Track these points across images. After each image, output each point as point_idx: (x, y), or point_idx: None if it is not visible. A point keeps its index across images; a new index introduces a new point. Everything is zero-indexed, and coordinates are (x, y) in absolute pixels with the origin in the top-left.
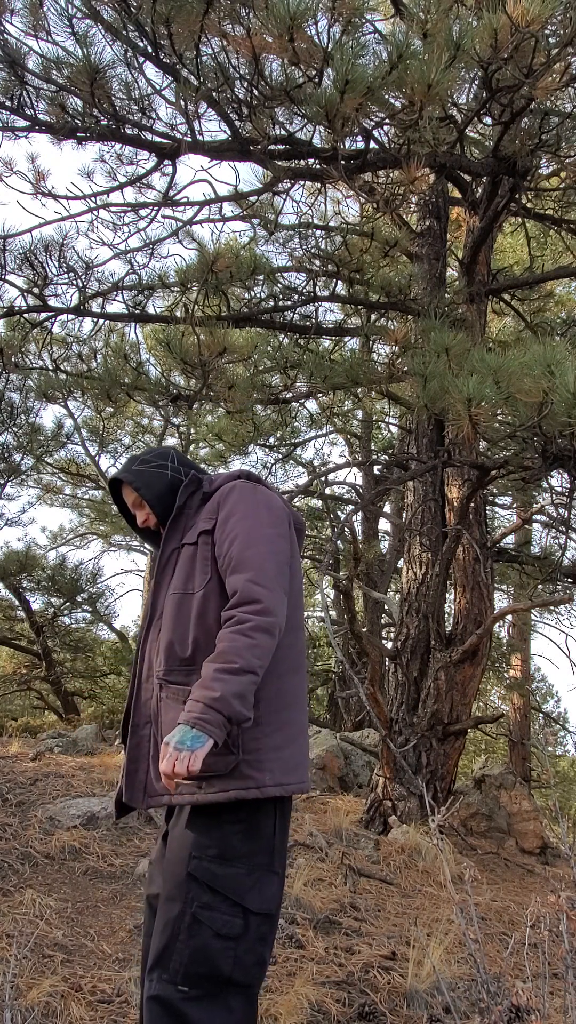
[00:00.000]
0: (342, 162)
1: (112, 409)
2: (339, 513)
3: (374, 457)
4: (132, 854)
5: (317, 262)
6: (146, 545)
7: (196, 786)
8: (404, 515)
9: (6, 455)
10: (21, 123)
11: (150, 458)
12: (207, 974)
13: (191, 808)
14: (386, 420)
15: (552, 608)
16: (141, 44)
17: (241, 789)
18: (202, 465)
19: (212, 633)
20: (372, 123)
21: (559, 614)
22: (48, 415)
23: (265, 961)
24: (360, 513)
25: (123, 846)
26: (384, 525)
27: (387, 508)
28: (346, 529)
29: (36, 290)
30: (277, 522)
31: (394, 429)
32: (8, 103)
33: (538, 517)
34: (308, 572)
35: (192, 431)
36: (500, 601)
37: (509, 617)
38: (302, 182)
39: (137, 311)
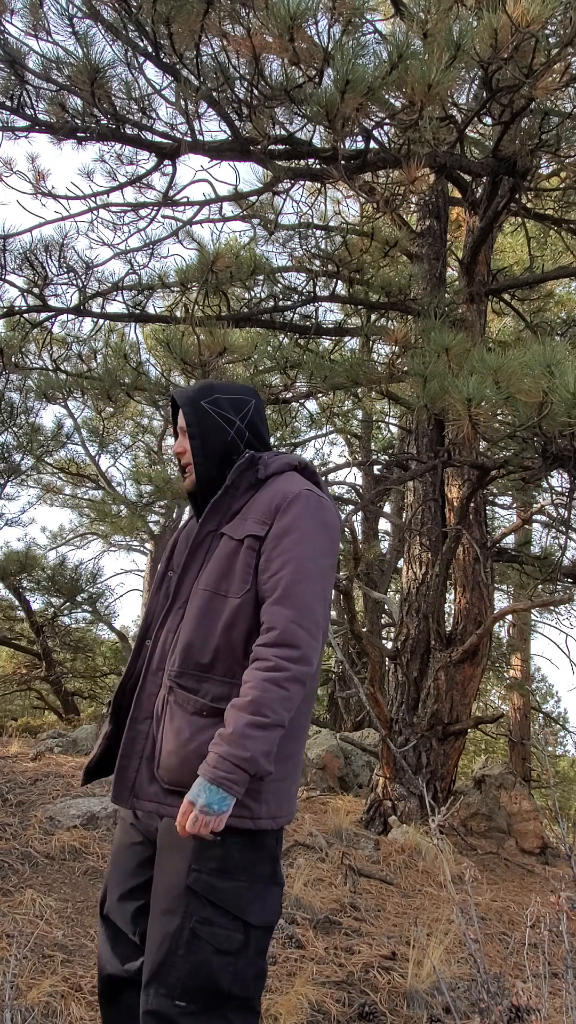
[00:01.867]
0: (342, 162)
1: (112, 409)
2: (339, 513)
3: (374, 457)
4: None
5: (317, 262)
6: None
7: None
8: (404, 515)
9: (6, 455)
10: (21, 123)
11: (224, 402)
12: (206, 988)
13: None
14: (386, 420)
15: (552, 608)
16: (141, 44)
17: (235, 817)
18: None
19: (235, 647)
20: (372, 123)
21: (559, 614)
22: (48, 415)
23: (264, 972)
24: (360, 513)
25: None
26: (384, 525)
27: (387, 508)
28: (346, 529)
29: (36, 290)
30: (332, 550)
31: (394, 429)
32: (8, 103)
33: (538, 517)
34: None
35: None
36: (500, 601)
37: (509, 617)
38: (302, 182)
39: (137, 311)
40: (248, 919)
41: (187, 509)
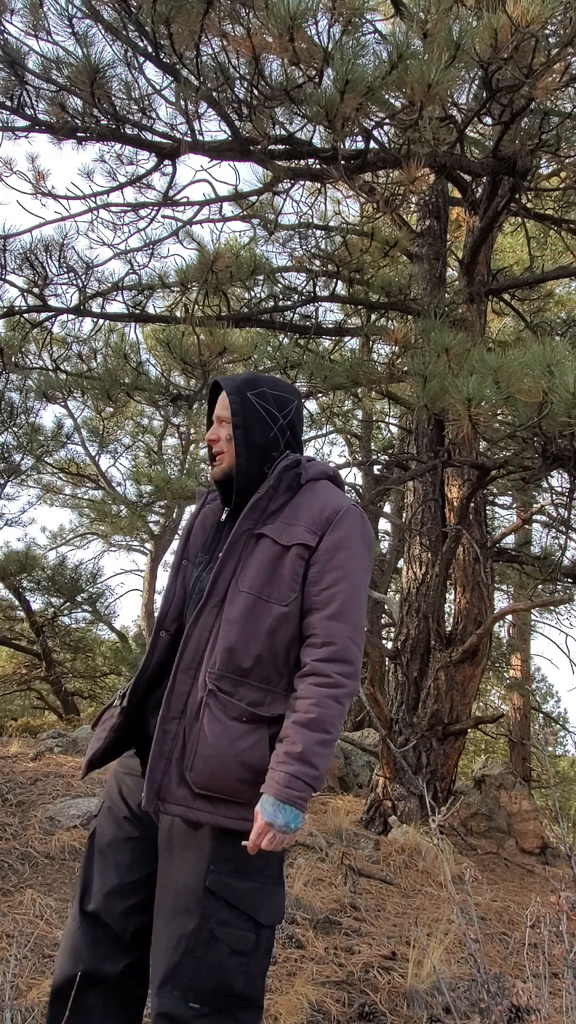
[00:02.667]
0: (342, 162)
1: (112, 409)
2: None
3: (374, 457)
4: None
5: (317, 262)
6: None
7: (215, 810)
8: (404, 515)
9: (6, 455)
10: (21, 123)
11: (270, 397)
12: (220, 990)
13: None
14: (386, 420)
15: (552, 608)
16: (141, 44)
17: (250, 821)
18: (201, 466)
19: (276, 654)
20: (372, 123)
21: (559, 614)
22: (48, 415)
23: (267, 971)
24: None
25: None
26: (384, 525)
27: (387, 508)
28: None
29: (36, 290)
30: (372, 567)
31: (394, 429)
32: (8, 103)
33: (538, 517)
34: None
35: (192, 431)
36: (500, 601)
37: (509, 617)
38: (302, 182)
39: (137, 311)
40: (259, 919)
41: (199, 498)
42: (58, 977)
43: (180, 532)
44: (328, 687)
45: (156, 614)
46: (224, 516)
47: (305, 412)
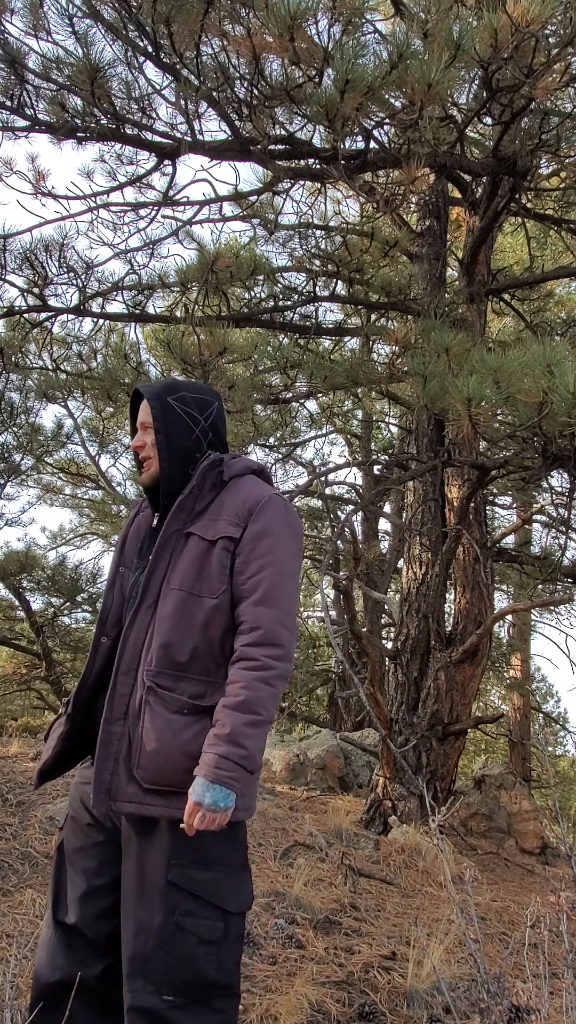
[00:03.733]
0: (342, 162)
1: (112, 409)
2: (339, 513)
3: (374, 457)
4: None
5: (317, 262)
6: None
7: (168, 803)
8: (404, 515)
9: (6, 455)
10: (21, 123)
11: (190, 400)
12: (192, 981)
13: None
14: (386, 420)
15: (552, 608)
16: (141, 44)
17: None
18: None
19: (212, 646)
20: (372, 123)
21: (559, 614)
22: (48, 415)
23: (241, 957)
24: (360, 513)
25: None
26: (384, 525)
27: (387, 508)
28: (346, 529)
29: (36, 290)
30: (300, 553)
31: (394, 429)
32: (8, 103)
33: (538, 517)
34: (308, 572)
35: None
36: (500, 601)
37: (509, 617)
38: (302, 182)
39: (137, 311)
40: (227, 907)
41: (133, 507)
42: (36, 987)
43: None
44: (256, 670)
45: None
46: (155, 521)
47: (305, 412)
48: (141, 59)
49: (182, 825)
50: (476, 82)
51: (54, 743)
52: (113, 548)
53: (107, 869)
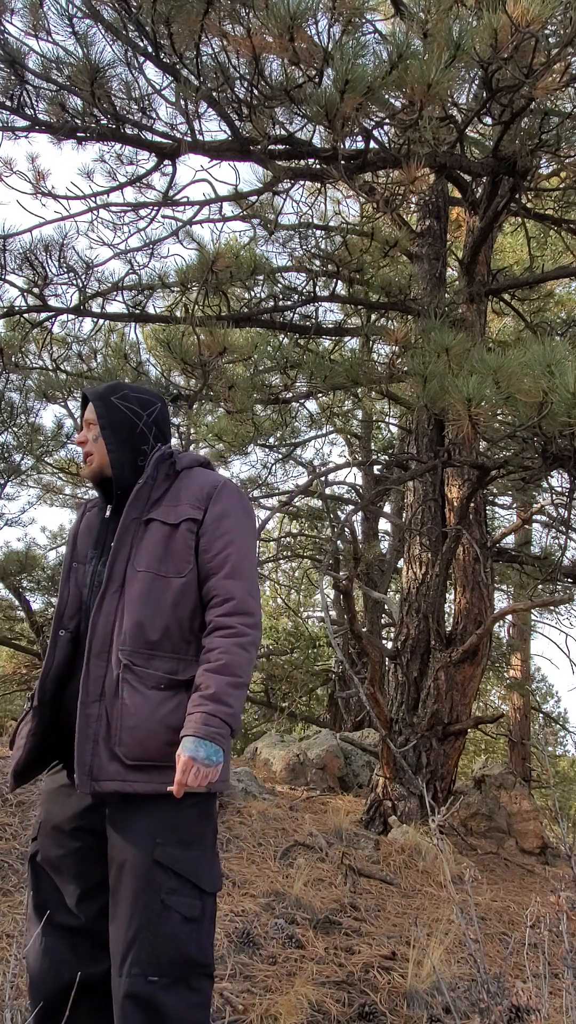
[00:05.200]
0: (342, 162)
1: None
2: (339, 513)
3: (374, 457)
4: None
5: (317, 262)
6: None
7: (150, 778)
8: (404, 515)
9: (6, 455)
10: (21, 123)
11: (132, 397)
12: (176, 960)
13: (149, 795)
14: (386, 420)
15: (552, 608)
16: (141, 44)
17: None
18: None
19: (182, 623)
20: (372, 123)
21: (559, 614)
22: (48, 415)
23: (214, 939)
24: (360, 513)
25: None
26: (384, 525)
27: (387, 508)
28: (346, 529)
29: (36, 290)
30: (256, 532)
31: (394, 429)
32: (8, 103)
33: (538, 517)
34: (308, 572)
35: (192, 431)
36: (500, 601)
37: (509, 617)
38: (302, 182)
39: (137, 311)
40: (202, 886)
41: (79, 509)
42: (42, 994)
43: (66, 541)
44: (233, 636)
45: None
46: (108, 512)
47: (305, 412)
48: (141, 59)
49: (169, 789)
50: (476, 82)
51: (24, 741)
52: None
53: (98, 867)
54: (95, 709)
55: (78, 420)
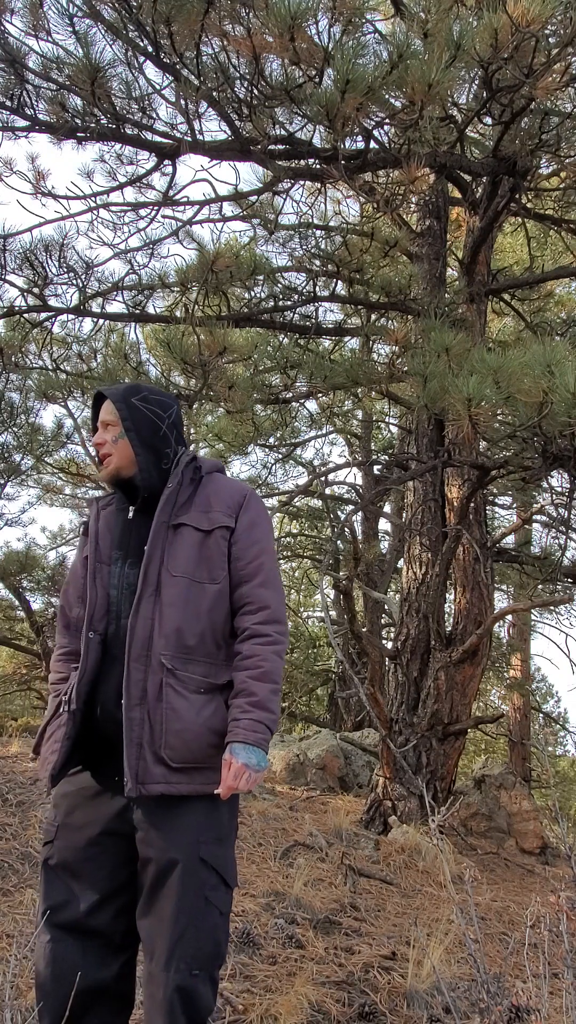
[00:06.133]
0: (342, 162)
1: None
2: (339, 513)
3: (374, 457)
4: None
5: (317, 262)
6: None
7: (191, 780)
8: (404, 515)
9: (6, 455)
10: (21, 123)
11: (152, 399)
12: (212, 952)
13: (189, 796)
14: (386, 420)
15: (552, 608)
16: (141, 44)
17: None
18: None
19: (216, 628)
20: (372, 123)
21: (559, 614)
22: (48, 415)
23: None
24: (360, 513)
25: None
26: (384, 525)
27: (387, 508)
28: (346, 529)
29: (36, 290)
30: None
31: (394, 429)
32: (8, 103)
33: (538, 517)
34: (308, 572)
35: (192, 431)
36: (500, 601)
37: (509, 617)
38: (302, 182)
39: (137, 311)
40: (230, 881)
41: (92, 505)
42: (51, 998)
43: (83, 541)
44: (271, 644)
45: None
46: (131, 514)
47: (305, 412)
48: (141, 59)
49: (216, 791)
50: (476, 82)
51: (58, 744)
52: None
53: (121, 869)
54: (137, 713)
55: (76, 420)
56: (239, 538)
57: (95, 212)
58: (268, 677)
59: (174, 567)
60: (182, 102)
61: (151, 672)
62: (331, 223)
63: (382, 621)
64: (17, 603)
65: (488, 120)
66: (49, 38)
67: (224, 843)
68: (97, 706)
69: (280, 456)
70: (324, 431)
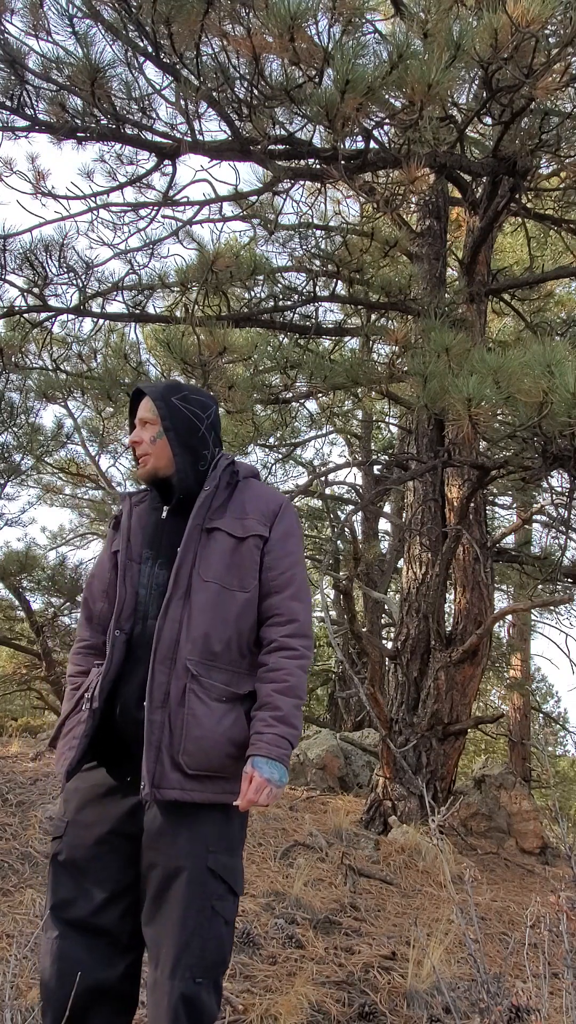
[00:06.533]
0: (342, 162)
1: (112, 409)
2: (339, 513)
3: (374, 457)
4: None
5: (317, 262)
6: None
7: (204, 788)
8: (404, 515)
9: (6, 455)
10: (21, 123)
11: (192, 399)
12: (217, 961)
13: (202, 804)
14: (386, 420)
15: (552, 608)
16: (141, 44)
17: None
18: None
19: (242, 637)
20: (372, 123)
21: (559, 614)
22: (48, 415)
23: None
24: (360, 513)
25: None
26: (384, 525)
27: (387, 508)
28: (346, 529)
29: (36, 290)
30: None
31: (394, 429)
32: (8, 103)
33: (538, 517)
34: (308, 572)
35: None
36: (500, 601)
37: (509, 617)
38: (302, 182)
39: (137, 311)
40: (236, 890)
41: (123, 500)
42: (54, 999)
43: (112, 535)
44: (297, 658)
45: (113, 613)
46: (165, 514)
47: (305, 412)
48: (141, 59)
49: (235, 803)
50: (476, 82)
51: (77, 741)
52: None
53: (128, 869)
54: (159, 716)
55: (76, 420)
56: (272, 548)
57: (95, 212)
58: (293, 692)
59: (206, 572)
60: (182, 102)
61: (175, 676)
62: (331, 223)
63: (382, 621)
64: (17, 603)
65: (488, 120)
66: (49, 38)
67: (234, 853)
68: (117, 705)
69: (280, 456)
70: (324, 431)
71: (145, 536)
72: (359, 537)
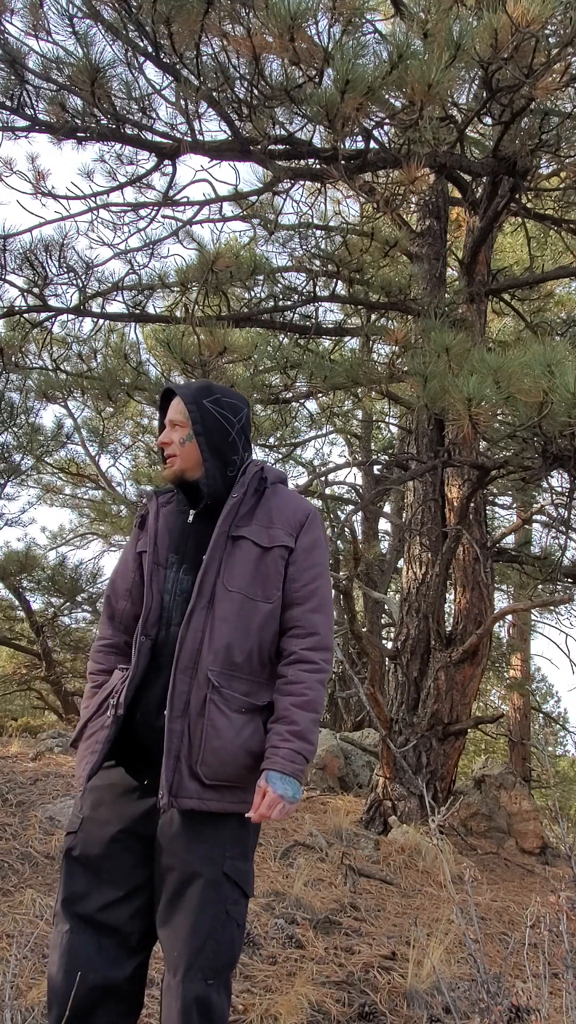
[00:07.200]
0: (342, 162)
1: (112, 409)
2: (339, 513)
3: (374, 457)
4: None
5: (317, 262)
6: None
7: (222, 798)
8: (404, 515)
9: (6, 455)
10: (21, 123)
11: (224, 402)
12: (227, 963)
13: (219, 812)
14: (386, 420)
15: (552, 608)
16: (141, 44)
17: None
18: None
19: (263, 648)
20: (372, 123)
21: (559, 614)
22: (48, 415)
23: None
24: (360, 513)
25: None
26: (384, 525)
27: (387, 508)
28: (346, 529)
29: (36, 290)
30: None
31: (394, 429)
32: (8, 103)
33: (538, 517)
34: None
35: None
36: (500, 601)
37: (509, 617)
38: (302, 182)
39: (137, 311)
40: (248, 893)
41: (151, 500)
42: (60, 996)
43: (137, 533)
44: (317, 672)
45: (139, 619)
46: (191, 518)
47: (305, 412)
48: (141, 59)
49: (248, 815)
50: (476, 82)
51: (99, 745)
52: (113, 548)
53: (140, 869)
54: (179, 725)
55: (76, 420)
56: (297, 559)
57: (95, 212)
58: (311, 706)
59: (230, 581)
60: (182, 102)
61: (196, 686)
62: (331, 223)
63: (382, 621)
64: (17, 603)
65: (488, 120)
66: (49, 38)
67: (247, 858)
68: (137, 711)
69: (280, 456)
70: (324, 431)
71: (172, 539)
72: (359, 537)
